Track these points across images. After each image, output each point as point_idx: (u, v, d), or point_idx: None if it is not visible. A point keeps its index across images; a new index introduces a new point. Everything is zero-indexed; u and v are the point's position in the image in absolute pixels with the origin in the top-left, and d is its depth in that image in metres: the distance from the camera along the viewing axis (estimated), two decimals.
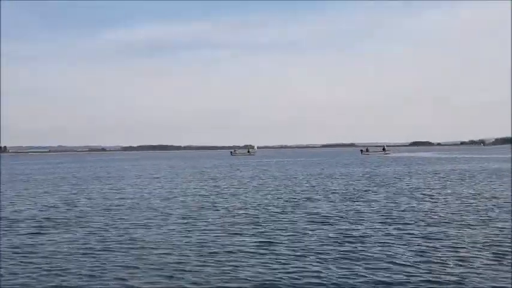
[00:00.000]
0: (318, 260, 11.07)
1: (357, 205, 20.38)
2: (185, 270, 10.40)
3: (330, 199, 22.87)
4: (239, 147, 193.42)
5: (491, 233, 13.77)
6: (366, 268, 10.30)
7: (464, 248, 11.95)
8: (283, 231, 14.55)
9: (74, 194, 28.42)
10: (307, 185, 31.98)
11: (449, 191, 25.54)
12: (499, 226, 14.75)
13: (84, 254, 12.12)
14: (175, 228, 15.54)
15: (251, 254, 11.73)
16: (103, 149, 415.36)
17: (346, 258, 11.13)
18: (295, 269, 10.32)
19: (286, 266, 10.57)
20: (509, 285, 9.02)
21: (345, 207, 19.86)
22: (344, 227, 15.17)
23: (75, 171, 61.17)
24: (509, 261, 10.64)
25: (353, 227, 15.16)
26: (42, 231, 15.42)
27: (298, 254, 11.67)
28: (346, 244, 12.62)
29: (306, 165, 65.01)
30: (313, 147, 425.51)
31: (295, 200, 22.89)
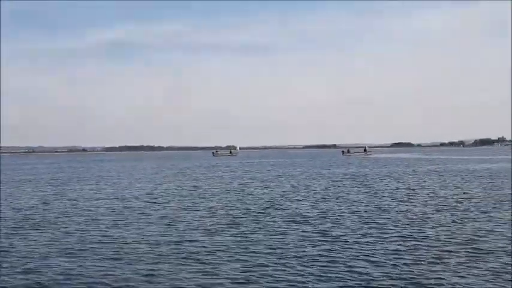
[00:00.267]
0: (296, 259, 11.12)
1: (336, 205, 20.51)
2: (163, 270, 10.36)
3: (310, 199, 22.98)
4: (221, 148, 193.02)
5: (467, 232, 13.98)
6: (344, 268, 10.37)
7: (441, 247, 12.11)
8: (263, 231, 14.58)
9: (53, 194, 28.11)
10: (287, 185, 32.07)
11: (426, 191, 25.84)
12: (476, 226, 14.97)
13: (60, 254, 12.01)
14: (154, 228, 15.46)
15: (230, 254, 11.73)
16: (84, 150, 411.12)
17: (325, 258, 11.19)
18: (273, 269, 10.35)
19: (265, 266, 10.59)
20: (485, 284, 9.17)
21: (324, 207, 19.97)
22: (323, 227, 15.26)
23: (54, 171, 60.47)
24: (485, 259, 10.82)
25: (332, 227, 15.25)
26: (19, 232, 15.23)
27: (277, 253, 11.71)
28: (325, 244, 12.70)
29: (287, 166, 65.18)
30: (296, 148, 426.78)
31: (276, 200, 22.94)
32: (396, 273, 9.85)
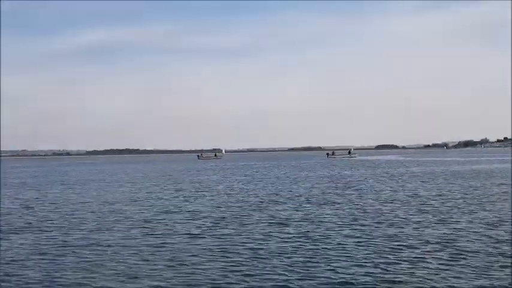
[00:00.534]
0: (279, 261, 11.12)
1: (320, 207, 20.57)
2: (145, 273, 10.30)
3: (294, 202, 23.01)
4: (206, 151, 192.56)
5: (448, 232, 14.11)
6: (327, 269, 10.40)
7: (422, 247, 12.21)
8: (245, 234, 14.57)
9: (35, 198, 27.80)
10: (272, 188, 32.09)
11: (409, 193, 26.03)
12: (458, 227, 15.10)
13: (42, 258, 11.88)
14: (137, 231, 15.37)
15: (213, 257, 11.70)
16: (68, 153, 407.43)
17: (308, 259, 11.21)
18: (256, 271, 10.34)
19: (247, 268, 10.58)
20: (465, 284, 9.24)
21: (308, 209, 20.02)
22: (306, 228, 15.29)
23: (36, 175, 59.82)
24: (466, 259, 10.92)
25: (315, 228, 15.29)
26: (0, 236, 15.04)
27: (260, 255, 11.71)
28: (308, 245, 12.73)
29: (272, 169, 65.24)
30: (281, 150, 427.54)
31: (259, 202, 22.94)
32: (378, 273, 9.90)
